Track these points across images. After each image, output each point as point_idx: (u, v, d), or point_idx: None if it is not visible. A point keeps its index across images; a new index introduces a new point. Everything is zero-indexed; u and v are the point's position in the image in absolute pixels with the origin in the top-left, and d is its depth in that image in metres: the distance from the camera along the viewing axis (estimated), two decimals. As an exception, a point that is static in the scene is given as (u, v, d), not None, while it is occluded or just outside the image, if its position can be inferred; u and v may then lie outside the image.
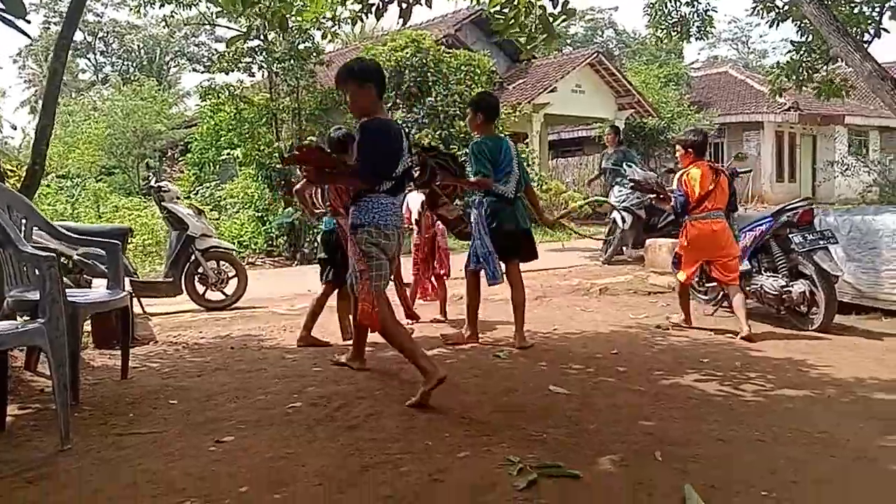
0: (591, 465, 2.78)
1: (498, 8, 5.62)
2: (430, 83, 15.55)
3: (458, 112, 15.26)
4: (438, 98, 15.24)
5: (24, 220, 4.00)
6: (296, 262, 12.31)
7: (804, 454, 2.94)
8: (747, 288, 6.15)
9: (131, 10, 13.66)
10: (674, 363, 4.61)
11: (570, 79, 18.29)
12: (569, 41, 39.56)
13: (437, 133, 15.03)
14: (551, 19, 5.48)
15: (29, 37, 4.13)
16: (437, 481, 2.61)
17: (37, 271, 3.17)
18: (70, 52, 5.11)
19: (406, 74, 15.59)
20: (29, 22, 3.79)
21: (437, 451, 2.92)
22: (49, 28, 36.84)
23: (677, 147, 5.95)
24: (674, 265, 6.13)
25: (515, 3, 5.48)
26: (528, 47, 5.81)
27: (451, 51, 16.72)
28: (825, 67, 10.88)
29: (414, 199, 5.99)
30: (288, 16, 6.30)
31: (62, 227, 4.42)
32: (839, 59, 8.30)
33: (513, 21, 5.63)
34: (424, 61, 15.64)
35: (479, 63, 16.59)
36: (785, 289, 5.78)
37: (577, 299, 7.35)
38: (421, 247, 6.16)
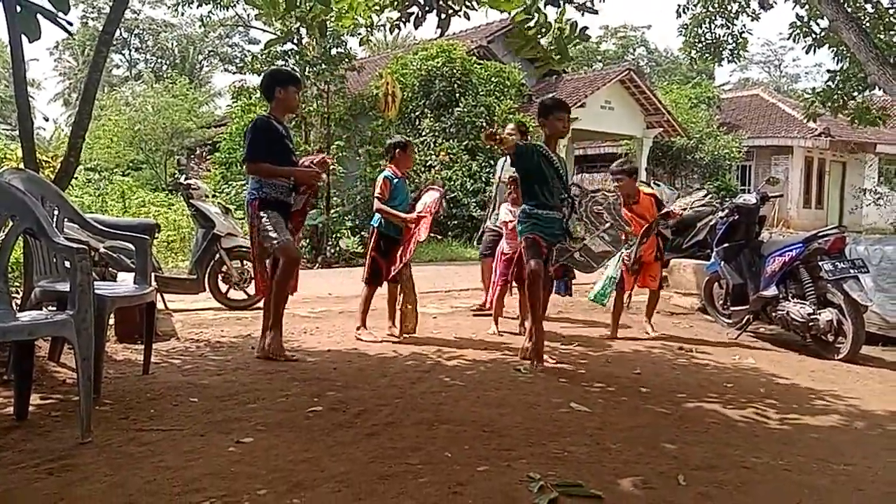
0: (612, 485, 2.74)
1: (522, 21, 5.55)
2: (458, 94, 15.58)
3: (484, 124, 15.27)
4: (467, 109, 15.25)
5: (56, 211, 4.04)
6: (317, 266, 12.35)
7: (830, 485, 2.88)
8: (773, 313, 6.09)
9: (169, 8, 13.84)
10: (697, 386, 4.56)
11: (599, 95, 18.24)
12: (600, 57, 39.54)
13: (464, 144, 15.04)
14: (566, 42, 5.42)
15: (70, 33, 4.17)
16: (457, 494, 2.58)
17: (68, 263, 3.19)
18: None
19: (436, 84, 15.64)
20: (71, 24, 3.84)
21: (457, 464, 2.89)
22: (87, 23, 37.39)
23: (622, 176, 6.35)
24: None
25: (533, 22, 5.42)
26: (538, 66, 5.76)
27: (481, 62, 16.76)
28: (861, 95, 10.77)
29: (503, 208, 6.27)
30: (327, 20, 6.32)
31: (92, 219, 4.45)
32: (876, 87, 8.20)
33: (525, 44, 5.57)
34: (454, 71, 15.68)
35: (508, 75, 16.62)
36: (812, 316, 5.72)
37: (598, 316, 7.29)
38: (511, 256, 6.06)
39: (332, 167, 5.43)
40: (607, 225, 5.13)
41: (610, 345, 5.87)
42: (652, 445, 3.26)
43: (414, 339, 5.65)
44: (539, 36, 5.48)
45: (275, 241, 4.71)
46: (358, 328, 5.71)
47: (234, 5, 13.68)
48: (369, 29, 6.42)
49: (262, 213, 4.74)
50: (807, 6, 10.39)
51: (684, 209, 7.44)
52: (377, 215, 5.69)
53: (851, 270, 5.62)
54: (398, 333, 5.70)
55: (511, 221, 6.02)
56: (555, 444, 3.21)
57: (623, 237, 5.57)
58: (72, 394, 3.66)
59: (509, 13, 5.58)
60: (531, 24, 5.40)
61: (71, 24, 3.85)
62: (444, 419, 3.52)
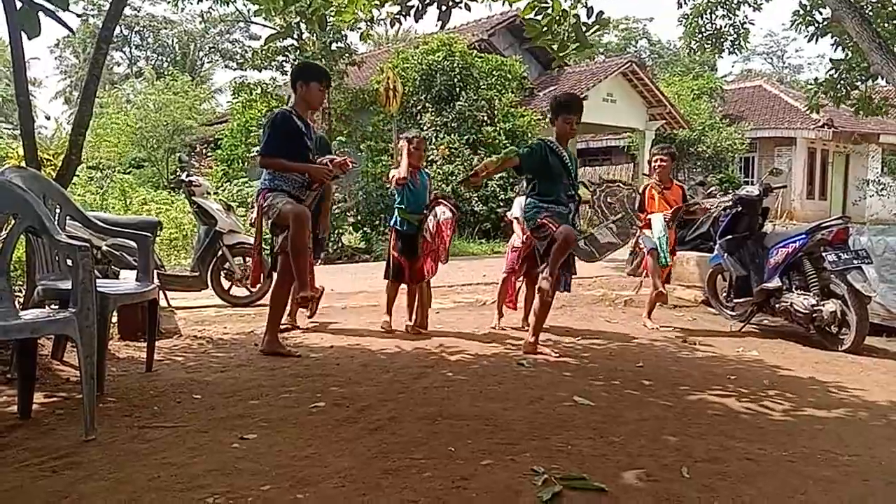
0: (616, 478, 2.74)
1: (532, 15, 5.55)
2: (459, 87, 15.54)
3: (485, 118, 15.24)
4: (468, 102, 15.22)
5: (58, 209, 4.04)
6: (319, 262, 12.31)
7: (835, 476, 2.87)
8: (777, 305, 6.07)
9: (169, 4, 13.81)
10: (700, 379, 4.55)
11: (601, 87, 18.17)
12: (602, 50, 39.45)
13: (465, 138, 15.01)
14: (584, 28, 5.41)
15: (71, 30, 4.16)
16: (461, 489, 2.58)
17: (70, 261, 3.19)
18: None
19: (437, 78, 15.60)
20: (84, 17, 3.83)
21: (461, 458, 2.89)
22: (87, 20, 37.35)
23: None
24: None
25: (549, 10, 5.42)
26: (560, 55, 5.74)
27: (482, 55, 16.71)
28: (864, 85, 10.72)
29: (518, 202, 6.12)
30: (327, 15, 6.31)
31: (94, 217, 4.44)
32: (879, 77, 8.16)
33: (546, 28, 5.58)
34: (455, 65, 15.64)
35: (510, 68, 16.57)
36: (816, 308, 5.70)
37: (601, 310, 7.30)
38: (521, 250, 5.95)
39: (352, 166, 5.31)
40: (618, 216, 5.12)
41: (614, 338, 5.86)
42: (655, 438, 3.26)
43: (416, 335, 5.65)
44: (555, 25, 5.46)
45: (277, 205, 4.71)
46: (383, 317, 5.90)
47: (234, 1, 13.66)
48: (369, 23, 6.41)
49: (269, 194, 4.79)
50: (809, -4, 10.35)
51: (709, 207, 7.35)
52: (396, 215, 5.73)
53: (855, 261, 5.60)
54: (411, 327, 5.78)
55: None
56: (558, 437, 3.21)
57: (633, 229, 5.61)
58: (75, 392, 3.67)
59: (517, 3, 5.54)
60: (547, 12, 5.39)
61: (84, 17, 3.83)
62: (448, 414, 3.52)
